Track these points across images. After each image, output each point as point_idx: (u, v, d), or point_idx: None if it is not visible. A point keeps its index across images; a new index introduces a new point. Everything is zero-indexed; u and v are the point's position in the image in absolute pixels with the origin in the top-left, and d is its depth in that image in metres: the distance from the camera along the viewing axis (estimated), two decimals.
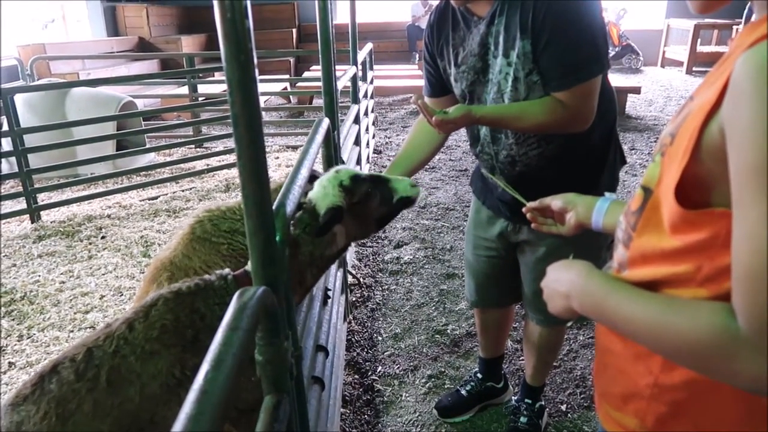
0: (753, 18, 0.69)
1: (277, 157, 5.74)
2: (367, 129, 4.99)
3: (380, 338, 2.79)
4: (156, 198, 4.66)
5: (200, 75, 6.86)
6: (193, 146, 5.96)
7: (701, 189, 0.69)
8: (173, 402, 1.16)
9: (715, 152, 0.65)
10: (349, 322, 2.89)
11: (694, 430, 0.79)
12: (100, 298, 3.08)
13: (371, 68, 6.01)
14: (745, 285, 0.60)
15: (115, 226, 4.04)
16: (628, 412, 0.85)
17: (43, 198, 4.43)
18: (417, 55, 11.02)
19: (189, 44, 10.18)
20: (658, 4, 12.01)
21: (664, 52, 11.71)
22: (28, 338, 2.73)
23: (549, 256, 1.72)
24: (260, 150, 0.79)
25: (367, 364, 2.59)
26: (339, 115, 2.30)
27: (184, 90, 6.34)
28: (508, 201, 1.72)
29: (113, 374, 1.15)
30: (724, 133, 0.63)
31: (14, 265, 3.48)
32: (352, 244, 3.53)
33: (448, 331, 2.83)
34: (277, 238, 0.92)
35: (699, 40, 10.74)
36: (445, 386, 2.43)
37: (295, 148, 6.08)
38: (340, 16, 11.04)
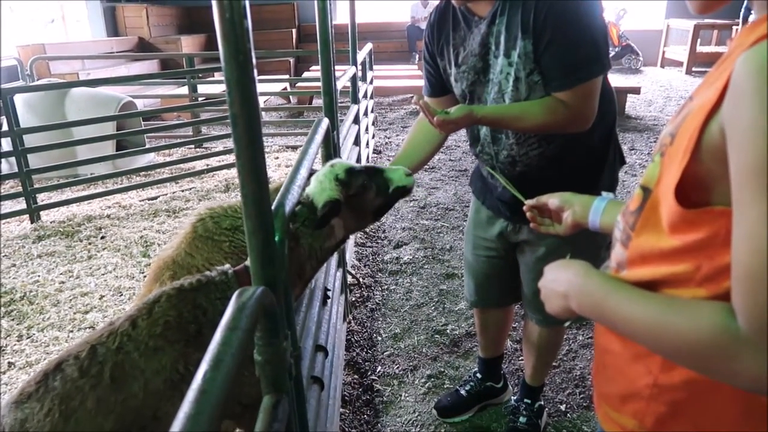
0: (751, 18, 0.69)
1: (277, 157, 5.74)
2: (366, 129, 4.99)
3: (380, 338, 2.79)
4: (156, 198, 4.66)
5: (200, 75, 6.86)
6: (192, 146, 5.96)
7: (701, 189, 0.69)
8: (176, 398, 1.17)
9: (715, 152, 0.65)
10: (349, 322, 2.89)
11: (694, 430, 0.79)
12: (100, 299, 3.08)
13: (371, 68, 6.01)
14: (745, 285, 0.60)
15: (114, 227, 4.04)
16: (627, 412, 0.85)
17: (42, 198, 4.44)
18: (417, 56, 11.02)
19: (189, 44, 10.18)
20: (658, 4, 12.01)
21: (663, 53, 11.71)
22: (27, 338, 2.73)
23: (549, 255, 1.72)
24: (259, 150, 0.80)
25: (366, 364, 2.59)
26: (338, 115, 2.30)
27: (184, 90, 6.34)
28: (507, 201, 1.72)
29: (117, 371, 1.15)
30: (725, 133, 0.63)
31: (14, 265, 3.48)
32: (351, 241, 3.53)
33: (448, 331, 2.83)
34: (276, 238, 0.92)
35: (699, 41, 10.74)
36: (445, 386, 2.43)
37: (294, 148, 6.08)
38: (340, 16, 11.04)
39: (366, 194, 1.43)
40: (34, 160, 4.39)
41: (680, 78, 10.45)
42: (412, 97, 8.92)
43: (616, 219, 0.90)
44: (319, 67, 2.14)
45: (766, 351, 0.58)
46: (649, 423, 0.82)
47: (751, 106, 0.57)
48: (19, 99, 4.37)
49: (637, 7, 11.89)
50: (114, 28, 9.90)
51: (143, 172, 5.10)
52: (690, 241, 0.70)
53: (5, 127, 3.95)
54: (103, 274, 3.34)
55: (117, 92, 5.57)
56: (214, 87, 6.77)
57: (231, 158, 5.22)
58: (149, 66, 9.32)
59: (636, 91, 7.52)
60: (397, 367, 2.57)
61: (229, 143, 5.64)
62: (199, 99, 6.09)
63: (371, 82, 5.91)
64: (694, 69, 10.83)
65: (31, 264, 3.49)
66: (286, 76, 9.37)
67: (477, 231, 1.96)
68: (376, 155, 5.85)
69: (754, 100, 0.57)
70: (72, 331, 2.78)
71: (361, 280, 3.32)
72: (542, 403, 2.20)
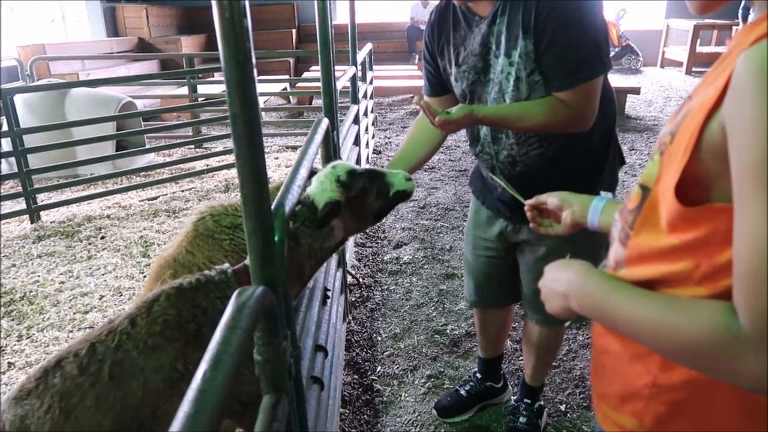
0: (751, 17, 0.69)
1: (277, 158, 5.74)
2: (366, 129, 4.99)
3: (379, 338, 2.79)
4: (155, 198, 4.66)
5: (200, 75, 6.86)
6: (192, 146, 5.96)
7: (701, 187, 0.69)
8: (176, 396, 1.17)
9: (716, 150, 0.65)
10: (349, 322, 2.89)
11: (693, 430, 0.79)
12: (100, 299, 3.08)
13: (371, 68, 6.01)
14: (746, 284, 0.60)
15: (114, 227, 4.04)
16: (626, 412, 0.85)
17: (42, 198, 4.44)
18: (417, 56, 11.02)
19: (189, 45, 10.18)
20: (658, 4, 12.01)
21: (663, 53, 11.71)
22: (27, 338, 2.73)
23: (549, 255, 1.72)
24: (259, 150, 0.80)
25: (366, 364, 2.59)
26: (338, 115, 2.30)
27: (184, 90, 6.34)
28: (507, 201, 1.72)
29: (116, 368, 1.16)
30: (725, 132, 0.63)
31: (14, 266, 3.48)
32: (351, 241, 3.53)
33: (448, 331, 2.83)
34: (276, 238, 0.92)
35: (698, 41, 10.74)
36: (445, 386, 2.43)
37: (294, 148, 6.08)
38: (340, 16, 11.04)
39: (367, 197, 1.43)
40: (34, 161, 4.39)
41: (680, 78, 10.45)
42: (413, 97, 8.91)
43: (613, 218, 0.90)
44: (319, 68, 2.14)
45: (767, 350, 0.58)
46: (648, 423, 0.82)
47: (753, 104, 0.57)
48: (19, 99, 4.37)
49: (637, 7, 11.89)
50: (114, 28, 9.90)
51: (143, 173, 5.10)
52: (689, 239, 0.70)
53: (5, 128, 3.95)
54: (102, 275, 3.34)
55: (117, 92, 5.57)
56: (214, 87, 6.77)
57: (231, 158, 5.22)
58: (149, 66, 9.32)
59: (636, 91, 7.52)
60: (397, 367, 2.57)
61: (229, 143, 5.63)
62: (199, 99, 6.09)
63: (371, 83, 5.91)
64: (693, 69, 10.83)
65: (31, 264, 3.49)
66: (286, 77, 9.36)
67: (477, 231, 1.96)
68: (375, 155, 5.85)
69: (756, 98, 0.57)
70: (72, 332, 2.78)
71: (360, 280, 3.32)
72: (542, 403, 2.20)
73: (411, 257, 3.62)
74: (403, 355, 2.65)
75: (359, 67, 4.50)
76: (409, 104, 8.34)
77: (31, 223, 4.08)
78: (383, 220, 4.06)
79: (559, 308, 0.88)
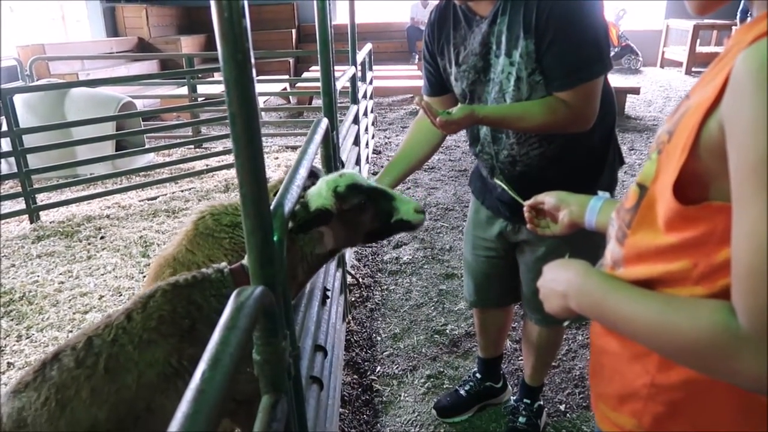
0: (749, 20, 0.69)
1: (277, 158, 5.74)
2: (366, 129, 4.99)
3: (379, 338, 2.79)
4: (155, 198, 4.66)
5: (199, 75, 6.86)
6: (192, 146, 5.96)
7: (698, 186, 0.69)
8: (170, 391, 1.19)
9: (714, 149, 0.65)
10: (348, 322, 2.89)
11: (691, 430, 0.79)
12: (99, 299, 3.08)
13: (370, 69, 6.01)
14: (745, 283, 0.60)
15: (114, 227, 4.04)
16: (624, 412, 0.85)
17: (42, 198, 4.43)
18: (416, 56, 11.02)
19: (188, 45, 10.18)
20: (658, 4, 12.01)
21: (663, 53, 11.71)
22: (26, 338, 2.73)
23: (549, 255, 1.72)
24: (258, 149, 0.80)
25: (366, 364, 2.59)
26: (338, 115, 2.30)
27: (184, 90, 6.34)
28: (507, 201, 1.72)
29: (111, 362, 1.18)
30: (724, 130, 0.63)
31: (13, 266, 3.48)
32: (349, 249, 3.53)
33: (447, 331, 2.83)
34: (275, 238, 0.92)
35: (698, 41, 10.74)
36: (444, 386, 2.43)
37: (294, 148, 6.08)
38: (340, 16, 11.04)
39: (361, 215, 1.39)
40: (34, 161, 4.39)
41: (680, 78, 10.45)
42: (413, 97, 8.89)
43: (610, 217, 0.90)
44: (318, 68, 2.14)
45: (767, 350, 0.58)
46: (646, 423, 0.82)
47: (752, 103, 0.57)
48: (18, 99, 4.37)
49: (636, 7, 11.89)
50: (114, 28, 9.90)
51: (143, 173, 5.10)
52: (686, 238, 0.70)
53: (5, 128, 3.95)
54: (102, 275, 3.34)
55: (117, 92, 5.57)
56: (214, 87, 6.78)
57: (230, 158, 5.20)
58: (149, 66, 9.32)
59: (636, 91, 7.52)
60: (397, 367, 2.57)
61: (229, 143, 5.64)
62: (199, 99, 6.09)
63: (371, 83, 5.91)
64: (693, 69, 10.82)
65: (31, 264, 3.49)
66: (286, 77, 9.37)
67: (476, 231, 1.96)
68: (375, 155, 5.85)
69: (755, 97, 0.57)
70: (71, 332, 2.78)
71: (360, 280, 3.32)
72: (542, 403, 2.20)
73: (411, 257, 3.62)
74: (403, 355, 2.65)
75: (359, 67, 4.50)
76: (409, 104, 8.34)
77: (31, 223, 4.08)
78: None
79: (557, 308, 0.88)
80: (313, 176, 1.95)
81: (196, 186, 4.95)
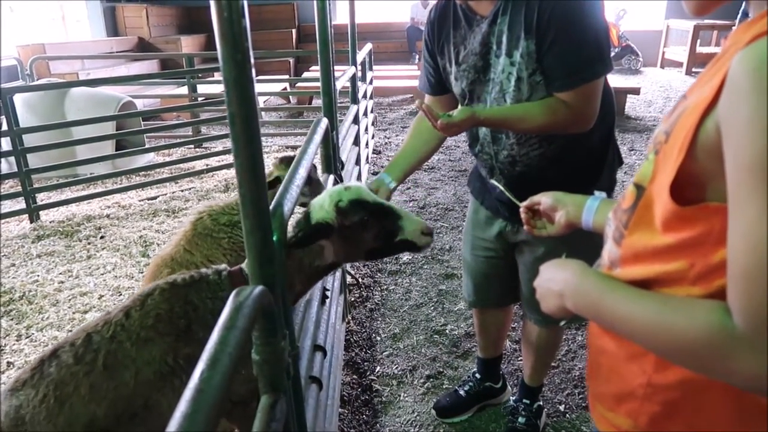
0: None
1: (277, 157, 5.73)
2: (366, 129, 4.99)
3: (379, 338, 2.79)
4: (155, 198, 4.66)
5: (199, 75, 6.86)
6: (192, 146, 5.96)
7: (695, 186, 0.69)
8: (167, 388, 1.20)
9: (711, 149, 0.65)
10: (348, 322, 2.89)
11: (688, 429, 0.79)
12: (99, 298, 3.08)
13: (371, 69, 6.01)
14: (741, 284, 0.60)
15: (114, 226, 4.04)
16: (621, 412, 0.85)
17: (42, 198, 4.43)
18: (416, 56, 11.02)
19: (188, 44, 10.18)
20: (658, 4, 12.01)
21: (663, 53, 11.71)
22: (26, 338, 2.73)
23: (548, 256, 1.70)
24: (257, 149, 0.80)
25: (365, 364, 2.59)
26: (338, 115, 2.30)
27: (184, 90, 6.34)
28: (506, 201, 1.71)
29: (110, 358, 1.18)
30: (720, 131, 0.62)
31: (13, 265, 3.48)
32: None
33: (447, 331, 2.83)
34: (274, 238, 0.92)
35: (698, 41, 10.74)
36: (444, 386, 2.43)
37: (294, 148, 6.08)
38: (340, 16, 11.04)
39: (363, 232, 1.33)
40: (34, 160, 4.39)
41: (680, 79, 10.45)
42: (413, 97, 8.87)
43: (607, 217, 0.90)
44: (318, 68, 2.14)
45: (763, 349, 0.58)
46: (643, 422, 0.82)
47: (749, 103, 0.57)
48: (18, 99, 4.37)
49: (637, 7, 11.89)
50: (114, 28, 9.91)
51: (143, 172, 5.10)
52: (683, 238, 0.70)
53: (5, 127, 3.95)
54: (102, 274, 3.34)
55: (117, 92, 5.57)
56: (214, 87, 6.78)
57: (230, 158, 5.20)
58: (149, 66, 9.32)
59: (636, 91, 7.52)
60: (396, 368, 2.57)
61: (229, 143, 5.61)
62: (199, 99, 6.09)
63: (371, 83, 5.91)
64: (693, 69, 10.82)
65: (31, 264, 3.49)
66: (286, 77, 9.37)
67: (476, 231, 1.96)
68: (375, 155, 5.85)
69: (752, 97, 0.57)
70: (71, 331, 2.77)
71: (360, 280, 3.32)
72: (541, 403, 2.20)
73: (410, 257, 3.62)
74: (402, 356, 2.65)
75: (359, 67, 4.50)
76: (409, 104, 8.34)
77: (31, 222, 4.08)
78: None
79: (554, 307, 0.88)
80: (311, 180, 1.95)
81: (196, 186, 4.95)
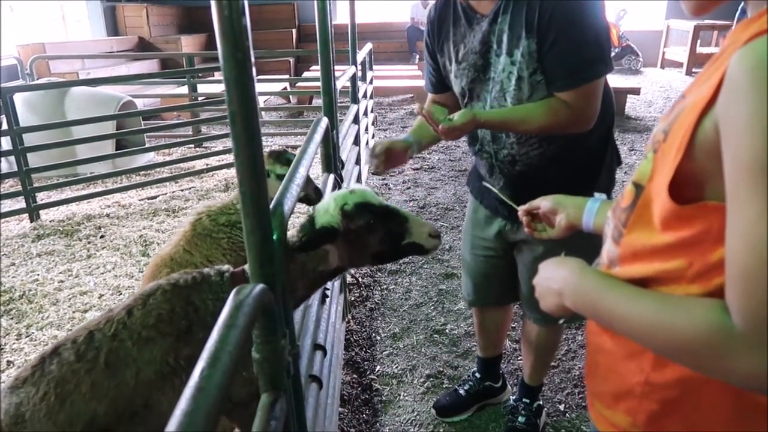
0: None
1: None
2: (366, 129, 4.99)
3: (379, 338, 2.79)
4: (155, 197, 4.66)
5: (200, 75, 6.86)
6: (192, 146, 5.96)
7: (694, 185, 0.69)
8: (167, 388, 1.20)
9: (709, 149, 0.65)
10: (348, 322, 2.89)
11: (686, 428, 0.79)
12: (99, 297, 3.08)
13: (371, 68, 6.01)
14: (740, 283, 0.60)
15: (114, 226, 4.04)
16: (619, 410, 0.86)
17: (42, 197, 4.44)
18: (417, 56, 11.02)
19: (189, 44, 10.18)
20: (658, 5, 12.01)
21: (663, 53, 11.71)
22: (26, 337, 2.73)
23: (547, 255, 1.70)
24: (258, 148, 0.80)
25: (365, 363, 2.60)
26: (338, 114, 2.30)
27: (184, 90, 6.34)
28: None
29: (111, 356, 1.18)
30: (719, 130, 0.62)
31: (13, 264, 3.48)
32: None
33: (447, 330, 2.83)
34: (275, 237, 0.92)
35: (699, 41, 10.73)
36: (444, 386, 2.43)
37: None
38: (340, 16, 11.04)
39: (369, 235, 1.31)
40: (34, 159, 4.40)
41: (680, 79, 10.44)
42: (413, 97, 8.83)
43: (606, 216, 0.90)
44: (318, 67, 2.14)
45: (762, 348, 0.58)
46: (641, 420, 0.82)
47: (747, 103, 0.57)
48: (18, 98, 4.38)
49: (637, 7, 11.88)
50: (114, 27, 9.90)
51: (143, 172, 5.10)
52: (682, 237, 0.70)
53: (5, 126, 3.95)
54: (102, 273, 3.35)
55: (117, 91, 5.58)
56: (214, 86, 6.78)
57: (230, 158, 5.19)
58: (149, 65, 9.32)
59: (636, 91, 7.52)
60: (396, 367, 2.57)
61: (229, 143, 5.64)
62: (199, 98, 6.09)
63: (371, 82, 5.91)
64: (694, 70, 10.81)
65: (31, 263, 3.49)
66: (286, 76, 9.37)
67: (475, 231, 1.96)
68: None
69: (750, 97, 0.57)
70: (71, 330, 2.78)
71: (360, 279, 3.32)
72: (541, 402, 2.20)
73: (410, 257, 3.62)
74: (402, 355, 2.65)
75: (359, 67, 4.50)
76: (409, 104, 8.34)
77: (31, 221, 4.09)
78: None
79: (553, 306, 0.88)
80: (310, 182, 1.94)
81: (196, 185, 4.95)
